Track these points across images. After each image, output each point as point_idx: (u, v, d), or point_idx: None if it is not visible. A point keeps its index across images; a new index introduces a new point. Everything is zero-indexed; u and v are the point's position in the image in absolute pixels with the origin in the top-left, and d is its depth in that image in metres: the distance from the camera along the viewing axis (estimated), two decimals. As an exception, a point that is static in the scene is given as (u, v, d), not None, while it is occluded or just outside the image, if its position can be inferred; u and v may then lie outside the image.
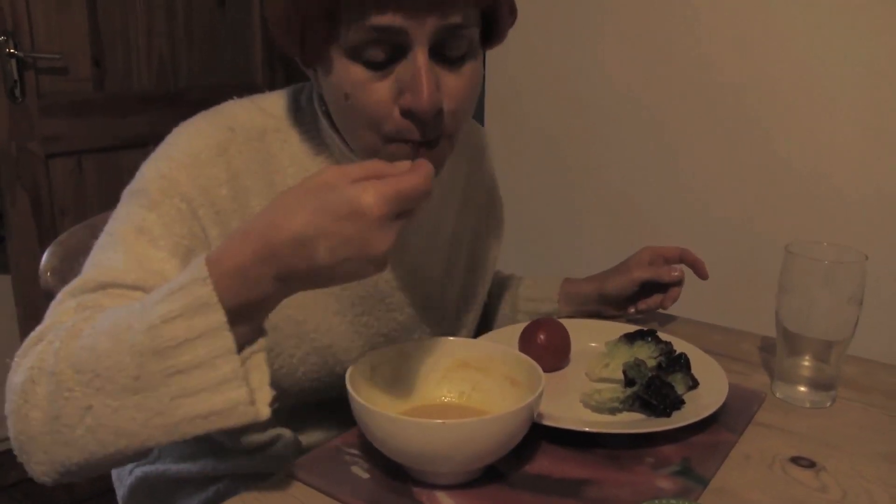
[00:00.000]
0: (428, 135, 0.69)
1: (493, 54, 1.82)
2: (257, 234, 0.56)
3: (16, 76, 1.79)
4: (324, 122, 0.78)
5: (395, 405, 0.73)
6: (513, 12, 0.74)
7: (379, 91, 0.67)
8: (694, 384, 0.81)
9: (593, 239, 1.75)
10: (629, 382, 0.81)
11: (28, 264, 1.84)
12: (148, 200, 0.71)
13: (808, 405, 0.83)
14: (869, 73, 1.35)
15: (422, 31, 0.65)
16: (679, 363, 0.82)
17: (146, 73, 2.06)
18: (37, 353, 0.61)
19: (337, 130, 0.77)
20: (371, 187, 0.55)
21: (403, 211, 0.56)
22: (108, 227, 0.72)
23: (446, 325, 0.94)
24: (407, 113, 0.67)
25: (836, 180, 1.41)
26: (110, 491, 1.00)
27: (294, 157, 0.78)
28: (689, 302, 1.62)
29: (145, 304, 0.58)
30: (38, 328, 0.64)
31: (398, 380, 0.75)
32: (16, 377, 0.61)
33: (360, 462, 0.70)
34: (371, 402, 0.65)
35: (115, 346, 0.56)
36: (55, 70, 1.88)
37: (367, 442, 0.73)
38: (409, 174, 0.57)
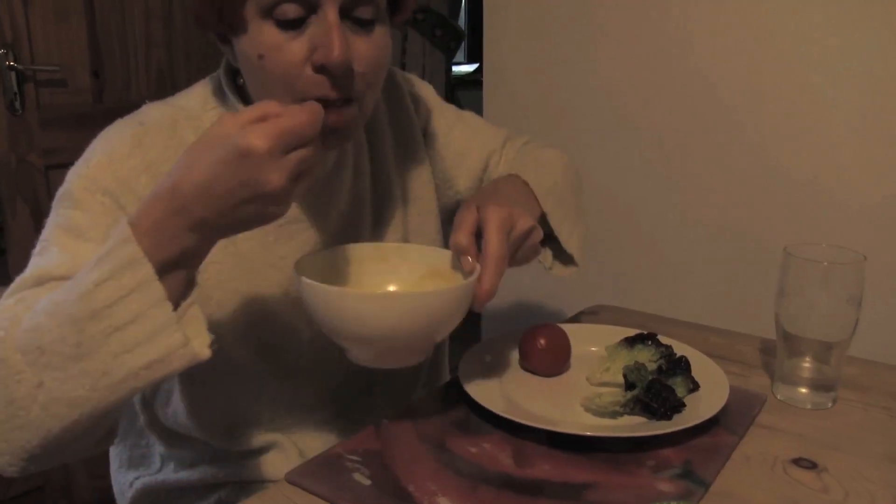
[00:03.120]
0: (340, 92, 0.71)
1: (490, 62, 1.83)
2: (166, 190, 0.60)
3: (15, 89, 1.80)
4: (232, 99, 0.81)
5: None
6: None
7: (292, 50, 0.70)
8: (695, 387, 0.81)
9: (590, 246, 1.74)
10: (630, 386, 0.81)
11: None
12: (72, 201, 0.74)
13: (808, 406, 0.83)
14: (864, 77, 1.36)
15: None
16: (679, 366, 0.82)
17: (145, 84, 2.07)
18: None
19: (245, 102, 0.81)
20: (256, 128, 0.57)
21: (293, 147, 0.58)
22: (42, 235, 0.75)
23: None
24: (319, 68, 0.70)
25: (834, 181, 1.41)
26: (112, 502, 1.00)
27: None
28: (689, 304, 1.62)
29: (78, 276, 0.61)
30: None
31: (364, 275, 0.81)
32: None
33: (361, 469, 0.70)
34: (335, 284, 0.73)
35: (53, 319, 0.59)
36: (54, 82, 1.88)
37: (369, 449, 0.74)
38: (295, 111, 0.59)
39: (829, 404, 0.83)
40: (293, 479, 0.69)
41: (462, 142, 1.02)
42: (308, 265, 0.74)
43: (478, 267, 0.72)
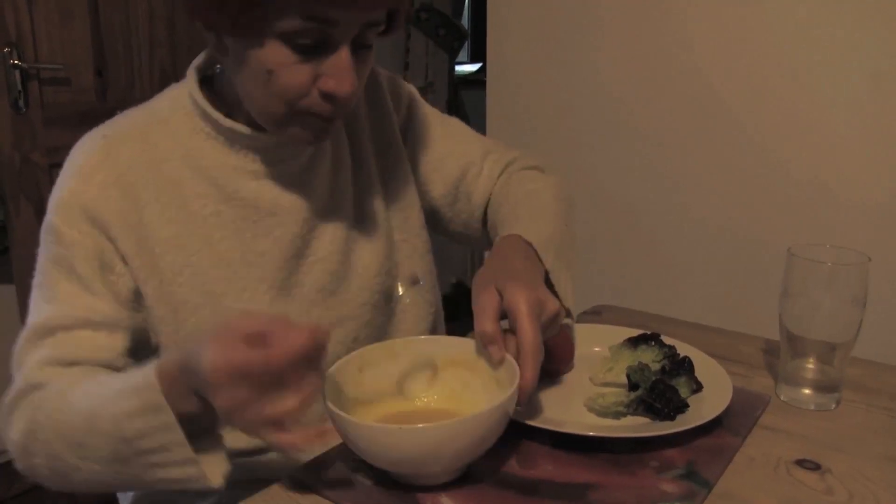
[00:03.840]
0: (337, 113, 0.77)
1: (494, 61, 1.83)
2: (177, 366, 0.66)
3: (19, 87, 1.80)
4: (201, 102, 0.82)
5: (380, 407, 0.74)
6: (404, 15, 0.82)
7: (302, 72, 0.73)
8: (698, 387, 0.81)
9: (594, 246, 1.75)
10: (633, 386, 0.81)
11: (32, 275, 1.84)
12: (56, 236, 0.79)
13: (812, 407, 0.83)
14: (868, 76, 1.35)
15: (351, 27, 0.72)
16: (683, 367, 0.82)
17: (148, 83, 2.07)
18: (26, 417, 0.74)
19: (215, 104, 0.82)
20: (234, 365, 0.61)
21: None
22: (37, 266, 0.82)
23: (379, 260, 0.93)
24: (326, 95, 0.75)
25: (838, 182, 1.41)
26: (114, 501, 1.00)
27: (177, 141, 0.83)
28: (691, 305, 1.62)
29: (110, 394, 0.69)
30: (15, 384, 0.77)
31: (385, 380, 0.75)
32: (11, 433, 0.75)
33: (363, 468, 0.70)
34: (359, 401, 0.72)
35: (90, 430, 0.68)
36: (58, 81, 1.89)
37: (371, 448, 0.73)
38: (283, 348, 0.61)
39: (833, 405, 0.83)
40: (295, 478, 0.70)
41: (440, 147, 1.01)
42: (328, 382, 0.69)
43: (508, 359, 0.70)
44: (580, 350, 0.90)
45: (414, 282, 0.96)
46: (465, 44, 3.52)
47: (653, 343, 0.87)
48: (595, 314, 1.11)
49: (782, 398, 0.85)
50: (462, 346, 0.76)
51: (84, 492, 0.76)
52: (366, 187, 0.94)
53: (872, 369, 0.93)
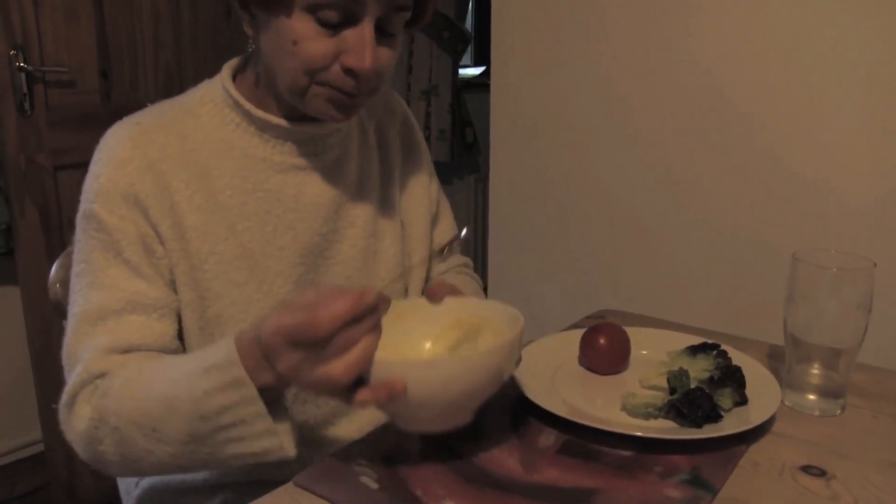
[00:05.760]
0: (358, 89, 0.79)
1: (498, 64, 1.83)
2: (254, 336, 0.67)
3: (25, 90, 1.81)
4: (235, 93, 0.85)
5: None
6: (434, 4, 0.85)
7: (325, 45, 0.76)
8: (742, 401, 0.81)
9: (598, 250, 1.75)
10: (672, 391, 0.82)
11: (37, 276, 1.85)
12: (97, 222, 0.80)
13: (817, 413, 0.83)
14: (873, 79, 1.35)
15: (376, 6, 0.75)
16: (731, 378, 0.82)
17: (153, 84, 2.07)
18: (92, 405, 0.75)
19: (247, 98, 0.85)
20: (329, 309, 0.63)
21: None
22: (77, 256, 0.82)
23: (390, 271, 0.95)
24: (348, 70, 0.77)
25: (843, 187, 1.41)
26: (117, 501, 1.00)
27: (207, 132, 0.85)
28: (695, 309, 1.62)
29: (187, 375, 0.70)
30: (75, 376, 0.77)
31: (392, 338, 0.76)
32: (77, 423, 0.76)
33: (368, 472, 0.70)
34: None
35: (168, 413, 0.70)
36: (63, 83, 1.89)
37: (376, 452, 0.74)
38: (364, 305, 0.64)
39: (838, 411, 0.83)
40: (301, 482, 0.70)
41: (414, 212, 1.01)
42: None
43: (520, 316, 0.74)
44: (636, 352, 0.93)
45: (455, 238, 1.03)
46: (469, 47, 3.52)
47: (713, 352, 0.88)
48: (598, 318, 1.11)
49: (787, 403, 0.84)
50: (468, 306, 0.80)
51: (152, 475, 0.79)
52: (387, 189, 0.97)
53: (878, 375, 0.93)
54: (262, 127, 0.85)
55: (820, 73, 1.40)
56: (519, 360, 0.74)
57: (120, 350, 0.78)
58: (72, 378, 0.77)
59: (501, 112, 1.85)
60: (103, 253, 0.80)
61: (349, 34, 0.76)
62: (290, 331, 0.63)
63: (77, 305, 0.80)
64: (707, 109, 1.54)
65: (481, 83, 3.34)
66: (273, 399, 0.69)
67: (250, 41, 0.83)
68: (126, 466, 0.76)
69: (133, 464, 0.74)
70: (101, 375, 0.76)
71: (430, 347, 0.80)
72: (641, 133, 1.64)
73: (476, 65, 3.77)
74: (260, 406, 0.67)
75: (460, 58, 3.25)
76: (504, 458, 0.73)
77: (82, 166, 0.84)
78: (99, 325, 0.78)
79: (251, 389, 0.66)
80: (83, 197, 0.83)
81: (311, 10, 0.74)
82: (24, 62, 1.79)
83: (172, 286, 0.83)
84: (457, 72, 3.19)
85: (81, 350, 0.78)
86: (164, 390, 0.71)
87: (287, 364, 0.64)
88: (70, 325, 0.80)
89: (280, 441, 0.69)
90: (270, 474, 0.87)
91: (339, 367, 0.62)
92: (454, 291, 0.82)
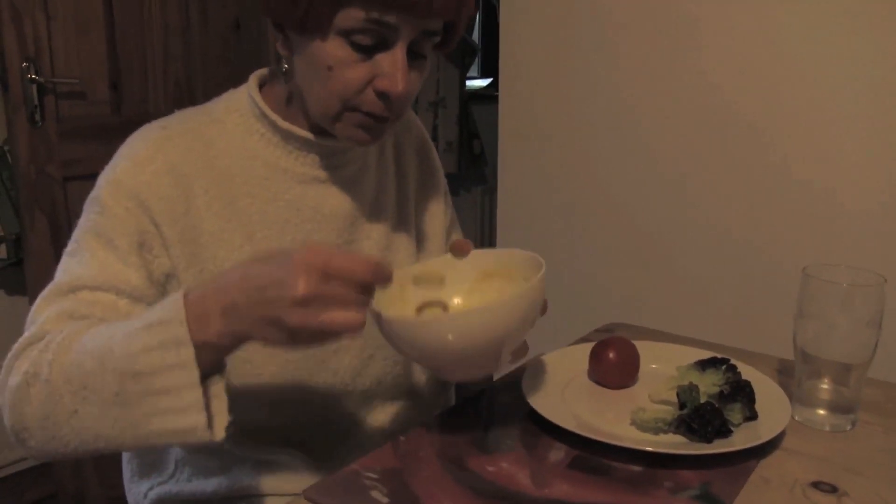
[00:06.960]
0: (390, 113, 0.80)
1: (506, 76, 1.83)
2: (218, 274, 0.68)
3: (36, 101, 1.82)
4: (262, 103, 0.86)
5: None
6: (462, 30, 0.85)
7: (359, 70, 0.77)
8: (752, 416, 0.80)
9: (607, 262, 1.74)
10: (682, 405, 0.82)
11: (46, 287, 1.86)
12: (100, 206, 0.81)
13: (827, 429, 0.83)
14: (883, 92, 1.35)
15: (408, 31, 0.76)
16: (741, 393, 0.81)
17: (163, 96, 2.09)
18: (31, 359, 0.71)
19: (273, 109, 0.86)
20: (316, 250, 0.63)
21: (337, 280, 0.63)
22: (73, 235, 0.82)
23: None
24: (381, 94, 0.78)
25: (853, 200, 1.41)
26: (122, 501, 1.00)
27: (231, 140, 0.86)
28: (704, 323, 1.61)
29: (128, 330, 0.67)
30: (27, 333, 0.74)
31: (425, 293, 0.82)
32: (11, 378, 0.71)
33: (379, 486, 0.70)
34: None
35: (100, 366, 0.66)
36: (74, 95, 1.91)
37: (387, 466, 0.74)
38: (358, 262, 0.64)
39: (849, 427, 0.83)
40: (311, 495, 0.70)
41: (430, 226, 1.03)
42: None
43: (542, 263, 0.77)
44: (645, 367, 0.92)
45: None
46: (476, 58, 3.54)
47: (722, 367, 0.87)
48: (606, 332, 1.11)
49: (797, 418, 0.84)
50: (493, 258, 0.85)
51: (66, 454, 0.70)
52: (403, 204, 0.99)
53: (890, 391, 0.92)
54: (287, 138, 0.86)
55: (830, 85, 1.40)
56: (545, 304, 0.78)
57: (79, 317, 0.75)
58: (23, 336, 0.75)
59: (510, 124, 1.86)
60: (96, 237, 0.80)
61: (382, 58, 0.77)
62: (326, 259, 0.62)
63: (56, 277, 0.80)
64: (716, 122, 1.54)
65: (488, 95, 3.35)
66: (210, 372, 0.67)
67: (283, 60, 0.83)
68: (46, 435, 0.69)
69: (53, 428, 0.68)
70: (50, 334, 0.73)
71: (462, 302, 0.84)
72: (650, 145, 1.64)
73: (483, 76, 3.78)
74: (193, 374, 0.64)
75: (467, 69, 3.26)
76: (514, 473, 0.73)
77: (92, 177, 0.85)
78: (70, 295, 0.77)
79: (189, 353, 0.64)
80: (96, 185, 0.83)
81: (346, 34, 0.75)
82: (36, 74, 1.81)
83: (159, 286, 0.82)
84: (464, 83, 3.21)
85: (42, 313, 0.76)
86: (101, 344, 0.68)
87: (305, 286, 0.61)
88: (43, 292, 0.78)
89: (205, 420, 0.65)
90: (280, 487, 0.88)
91: (342, 316, 0.62)
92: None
